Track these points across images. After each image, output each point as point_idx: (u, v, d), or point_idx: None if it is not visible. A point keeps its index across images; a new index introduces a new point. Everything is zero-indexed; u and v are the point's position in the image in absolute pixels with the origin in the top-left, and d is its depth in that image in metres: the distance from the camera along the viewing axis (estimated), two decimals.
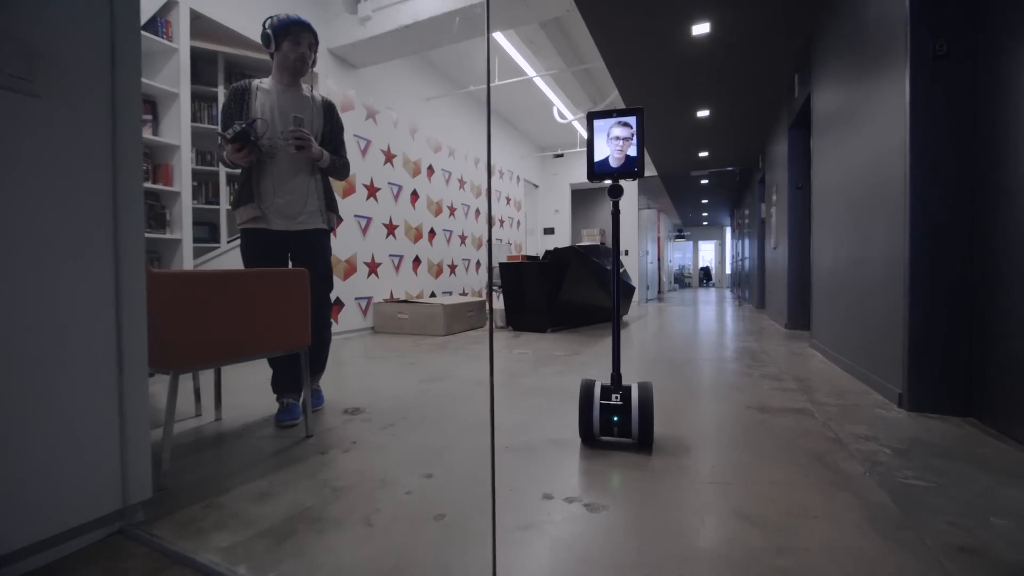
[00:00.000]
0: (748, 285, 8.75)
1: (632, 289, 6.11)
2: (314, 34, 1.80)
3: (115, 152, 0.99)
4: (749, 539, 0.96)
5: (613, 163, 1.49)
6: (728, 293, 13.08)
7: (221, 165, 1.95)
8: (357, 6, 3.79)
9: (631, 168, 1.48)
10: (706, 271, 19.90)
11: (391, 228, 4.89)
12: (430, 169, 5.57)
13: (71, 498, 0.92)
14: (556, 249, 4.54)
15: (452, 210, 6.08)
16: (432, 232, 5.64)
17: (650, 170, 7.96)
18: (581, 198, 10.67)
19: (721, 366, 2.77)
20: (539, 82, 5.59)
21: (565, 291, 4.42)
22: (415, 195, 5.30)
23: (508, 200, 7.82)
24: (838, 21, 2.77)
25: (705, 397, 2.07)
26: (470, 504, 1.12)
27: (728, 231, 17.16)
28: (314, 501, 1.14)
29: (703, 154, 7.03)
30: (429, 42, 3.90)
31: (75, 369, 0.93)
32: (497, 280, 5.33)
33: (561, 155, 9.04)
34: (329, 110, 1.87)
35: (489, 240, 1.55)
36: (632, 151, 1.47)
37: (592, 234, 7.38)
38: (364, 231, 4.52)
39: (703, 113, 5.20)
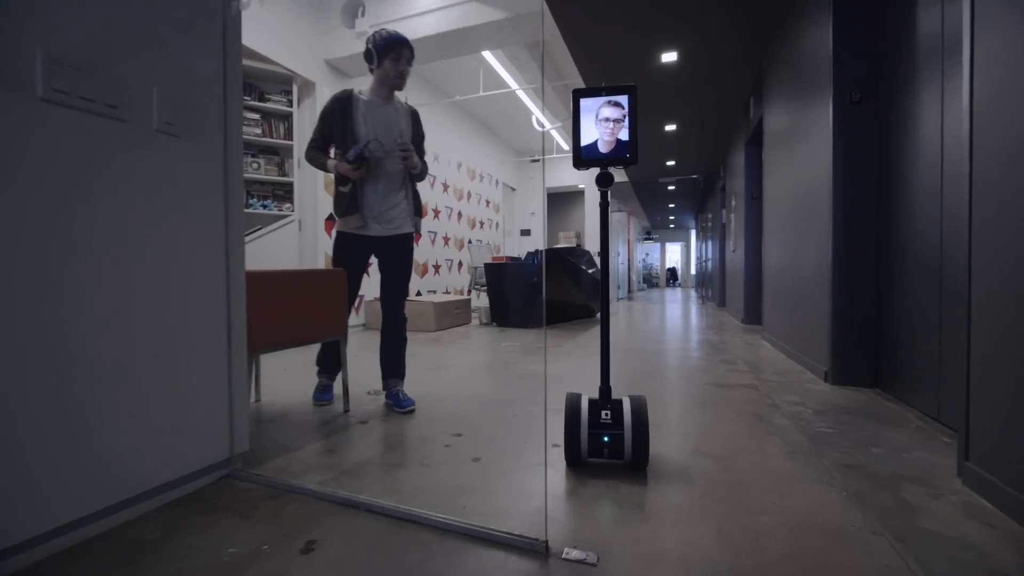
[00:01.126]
0: (711, 285, 9.38)
1: None
2: (412, 50, 1.89)
3: (226, 177, 1.27)
4: (704, 464, 1.34)
5: (603, 147, 1.32)
6: (693, 292, 13.81)
7: (315, 168, 2.08)
8: (355, 21, 4.04)
9: (623, 154, 1.31)
10: (672, 271, 20.76)
11: None
12: None
13: (194, 447, 1.20)
14: (537, 251, 4.90)
15: (436, 212, 6.36)
16: (418, 234, 5.90)
17: (621, 176, 8.45)
18: (556, 201, 11.11)
19: (686, 354, 3.19)
20: (520, 93, 5.94)
21: (546, 290, 4.79)
22: None
23: (487, 203, 8.14)
24: (783, 60, 3.24)
25: (673, 377, 2.47)
26: (497, 452, 1.45)
27: (693, 234, 18.02)
28: (373, 453, 1.45)
29: (670, 163, 7.56)
30: (424, 58, 4.18)
31: (199, 347, 1.20)
32: (481, 279, 5.65)
33: (537, 160, 9.43)
34: (415, 117, 1.99)
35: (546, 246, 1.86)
36: (624, 134, 1.31)
37: (568, 236, 7.79)
38: None
39: (671, 127, 5.68)
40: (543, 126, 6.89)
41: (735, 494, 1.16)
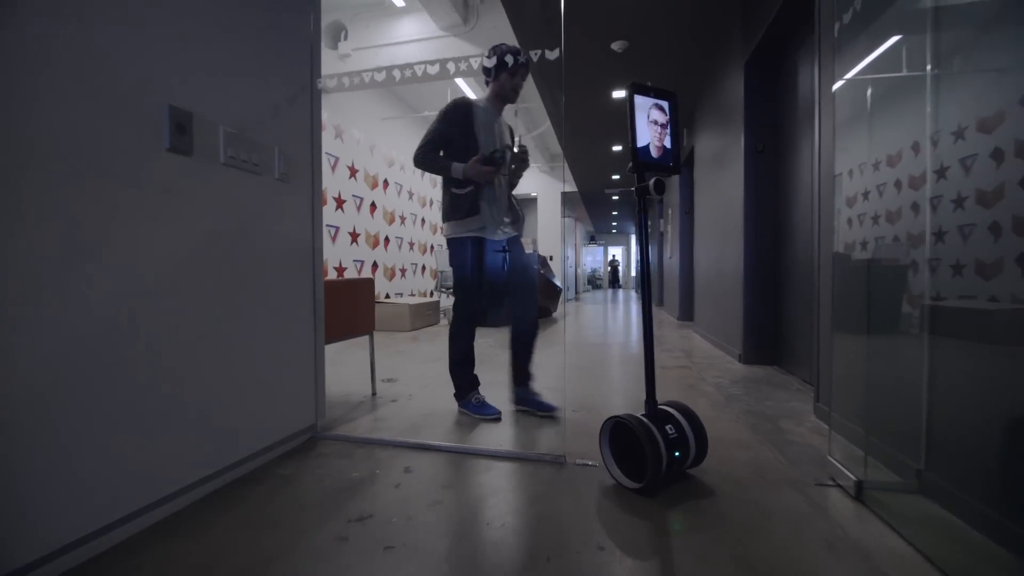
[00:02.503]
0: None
1: (559, 290, 7.19)
2: (528, 66, 1.92)
3: (312, 208, 1.68)
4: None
5: (654, 152, 1.30)
6: (634, 293, 14.94)
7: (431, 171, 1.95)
8: (338, 44, 4.36)
9: (667, 161, 1.30)
10: (615, 274, 22.02)
11: (354, 236, 5.43)
12: (385, 182, 6.16)
13: (287, 414, 1.60)
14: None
15: (403, 219, 6.70)
16: (387, 239, 6.22)
17: (571, 185, 9.18)
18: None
19: (632, 346, 3.85)
20: None
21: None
22: (373, 206, 5.86)
23: None
24: (708, 103, 3.99)
25: (624, 364, 3.09)
26: (511, 413, 1.95)
27: (634, 239, 19.32)
28: (416, 419, 1.90)
29: (615, 176, 8.37)
30: (401, 80, 4.57)
31: (292, 337, 1.61)
32: (446, 282, 6.07)
33: None
34: (511, 132, 2.08)
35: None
36: (668, 141, 1.29)
37: (525, 243, 8.35)
38: (333, 239, 5.03)
39: (617, 148, 6.42)
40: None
41: None
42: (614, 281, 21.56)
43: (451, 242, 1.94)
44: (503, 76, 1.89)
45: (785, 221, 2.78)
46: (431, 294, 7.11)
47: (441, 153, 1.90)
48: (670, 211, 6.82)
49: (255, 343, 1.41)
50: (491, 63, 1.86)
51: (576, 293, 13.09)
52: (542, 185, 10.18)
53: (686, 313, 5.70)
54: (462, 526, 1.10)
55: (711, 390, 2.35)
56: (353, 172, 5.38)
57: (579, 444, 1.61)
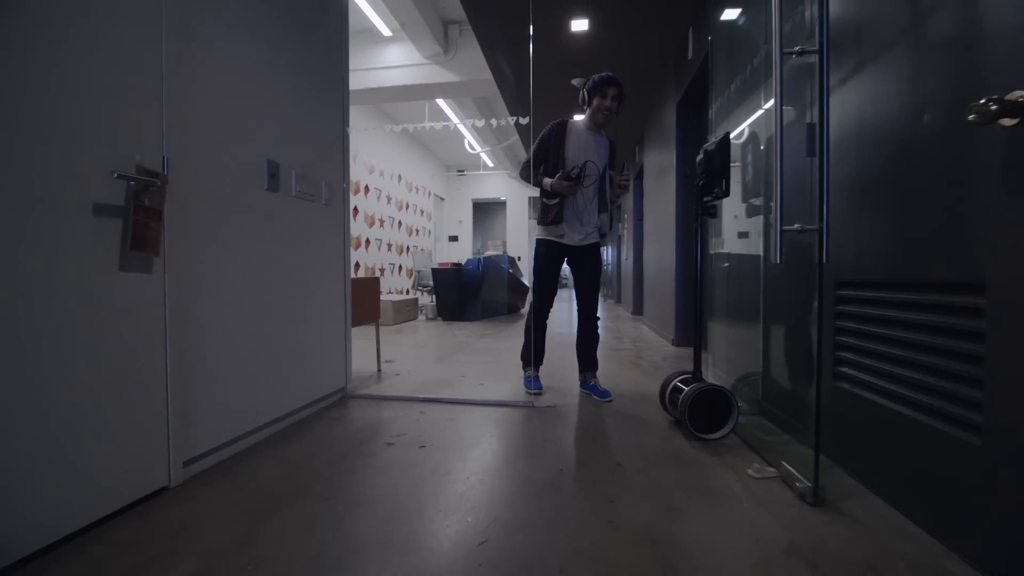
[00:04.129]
0: (611, 285, 11.18)
1: (527, 288, 7.85)
2: (620, 87, 2.12)
3: (344, 224, 2.23)
4: (606, 382, 2.57)
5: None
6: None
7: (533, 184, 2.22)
8: None
9: None
10: None
11: None
12: (366, 188, 6.63)
13: (330, 376, 2.15)
14: (477, 258, 6.01)
15: (382, 222, 7.17)
16: (367, 241, 6.69)
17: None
18: (481, 210, 12.24)
19: None
20: (460, 127, 7.01)
21: (484, 290, 5.91)
22: (356, 210, 6.32)
23: (422, 212, 9.05)
24: (654, 128, 4.72)
25: None
26: (494, 381, 2.56)
27: None
28: (419, 385, 2.48)
29: None
30: (386, 98, 5.08)
31: (332, 320, 2.15)
32: (426, 281, 6.61)
33: (463, 173, 10.51)
34: (612, 149, 2.27)
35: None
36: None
37: (496, 245, 8.95)
38: None
39: None
40: (475, 149, 8.00)
41: (616, 386, 2.40)
42: None
43: (537, 243, 2.27)
44: (595, 100, 2.11)
45: (706, 231, 3.50)
46: (408, 292, 7.61)
47: (542, 169, 2.22)
48: (626, 216, 7.60)
49: (312, 323, 1.96)
50: (586, 91, 2.13)
51: None
52: (511, 190, 10.83)
53: (638, 308, 6.46)
54: (469, 436, 1.70)
55: (646, 365, 3.04)
56: None
57: (545, 398, 2.24)
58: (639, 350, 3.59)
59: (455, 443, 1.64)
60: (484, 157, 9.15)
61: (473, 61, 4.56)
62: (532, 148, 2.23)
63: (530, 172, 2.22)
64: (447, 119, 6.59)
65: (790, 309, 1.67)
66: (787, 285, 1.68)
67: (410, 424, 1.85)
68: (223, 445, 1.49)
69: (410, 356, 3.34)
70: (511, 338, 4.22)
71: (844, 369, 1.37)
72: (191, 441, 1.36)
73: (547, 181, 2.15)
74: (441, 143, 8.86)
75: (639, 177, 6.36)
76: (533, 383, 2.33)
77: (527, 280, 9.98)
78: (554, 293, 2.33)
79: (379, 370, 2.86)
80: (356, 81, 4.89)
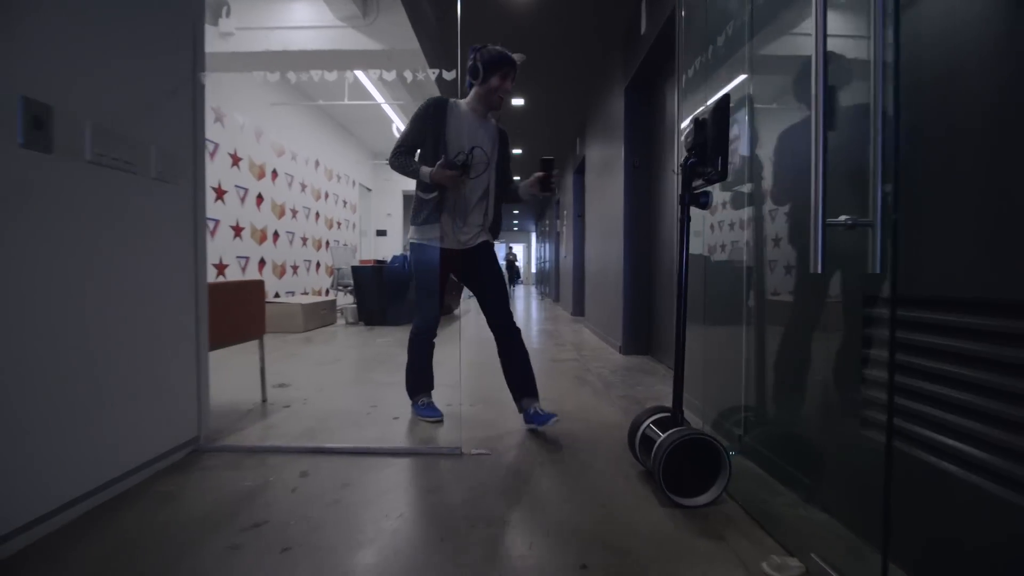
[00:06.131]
0: (549, 283, 10.93)
1: (462, 287, 7.31)
2: (516, 71, 1.79)
3: (195, 208, 1.59)
4: (547, 405, 2.13)
5: None
6: (534, 289, 15.59)
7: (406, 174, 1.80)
8: (218, 20, 3.97)
9: None
10: (515, 270, 22.52)
11: (238, 230, 5.00)
12: (274, 173, 5.74)
13: (169, 425, 1.51)
14: (403, 255, 5.37)
15: (295, 212, 6.29)
16: (276, 234, 5.80)
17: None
18: (411, 203, 11.47)
19: (530, 341, 4.10)
20: (385, 107, 6.30)
21: (411, 291, 5.30)
22: (260, 198, 5.43)
23: (344, 203, 8.17)
24: (597, 117, 4.38)
25: None
26: (403, 409, 2.03)
27: (534, 236, 20.10)
28: (312, 424, 1.89)
29: (516, 178, 8.68)
30: (289, 66, 4.31)
31: (172, 344, 1.52)
32: (347, 280, 5.86)
33: None
34: (504, 138, 1.91)
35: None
36: None
37: None
38: (212, 233, 4.59)
39: (517, 151, 6.70)
40: None
41: (564, 412, 1.97)
42: (512, 277, 21.81)
43: (411, 248, 1.89)
44: (493, 79, 1.74)
45: (656, 228, 3.19)
46: (327, 292, 6.78)
47: (417, 156, 1.82)
48: (565, 212, 7.29)
49: (126, 353, 1.31)
50: (481, 63, 1.72)
51: None
52: None
53: (579, 308, 6.17)
54: (364, 522, 1.17)
55: (594, 380, 2.64)
56: (236, 160, 4.94)
57: (475, 435, 1.74)
58: (584, 360, 3.21)
59: (340, 539, 1.10)
60: None
61: (397, 28, 3.95)
62: (404, 130, 1.83)
63: (404, 160, 1.79)
64: (370, 98, 5.86)
65: (795, 326, 1.30)
66: (797, 297, 1.32)
67: (281, 499, 1.28)
68: None
69: (313, 376, 2.70)
70: (443, 345, 3.67)
71: (874, 414, 1.01)
72: None
73: (425, 170, 1.73)
74: (366, 126, 8.03)
75: (579, 171, 6.05)
76: (428, 410, 1.94)
77: None
78: (439, 309, 1.94)
79: (264, 400, 2.22)
80: (253, 40, 4.08)
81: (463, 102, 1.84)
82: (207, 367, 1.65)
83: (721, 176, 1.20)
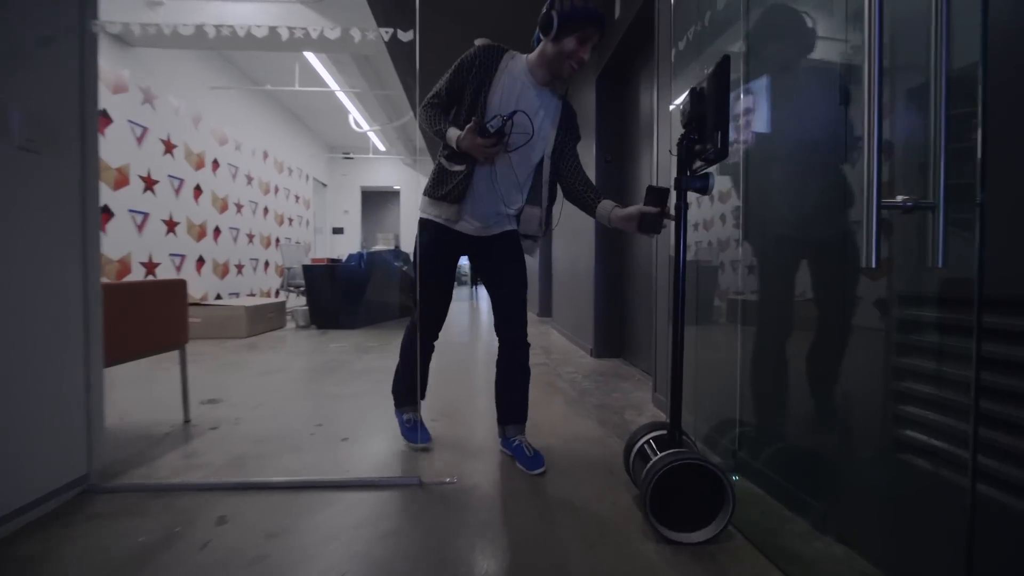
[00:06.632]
0: None
1: None
2: (602, 35, 1.36)
3: (83, 189, 1.28)
4: None
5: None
6: None
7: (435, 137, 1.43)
8: None
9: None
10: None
11: (171, 225, 4.51)
12: (215, 163, 5.25)
13: (48, 461, 1.20)
14: (360, 253, 5.03)
15: (239, 207, 5.80)
16: (217, 230, 5.31)
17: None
18: (371, 200, 11.00)
19: (492, 344, 3.88)
20: (339, 94, 5.91)
21: (370, 292, 4.97)
22: (198, 190, 4.94)
23: (297, 198, 7.68)
24: None
25: (488, 362, 3.08)
26: (366, 430, 1.76)
27: None
28: (242, 450, 1.59)
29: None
30: (230, 45, 3.91)
31: (50, 358, 1.20)
32: (294, 280, 5.44)
33: (350, 157, 9.26)
34: (569, 115, 1.50)
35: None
36: None
37: (387, 238, 7.94)
38: (140, 228, 4.10)
39: None
40: (361, 127, 6.91)
41: (535, 423, 1.76)
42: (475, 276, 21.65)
43: (420, 224, 1.50)
44: (567, 41, 1.30)
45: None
46: (276, 293, 6.30)
47: (451, 114, 1.45)
48: None
49: None
50: (557, 14, 1.28)
51: None
52: (405, 179, 9.83)
53: (546, 309, 6.01)
54: None
55: (566, 386, 2.46)
56: (169, 147, 4.45)
57: (438, 459, 1.51)
58: (554, 364, 3.02)
59: None
60: (373, 138, 8.04)
61: (352, 8, 3.64)
62: (445, 77, 1.44)
63: (433, 114, 1.42)
64: (323, 84, 5.46)
65: (803, 327, 1.15)
66: (812, 295, 1.16)
67: (186, 560, 1.00)
68: None
69: (252, 389, 2.37)
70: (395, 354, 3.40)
71: (914, 434, 0.86)
72: None
73: (453, 133, 1.36)
74: (321, 118, 7.57)
75: None
76: (411, 433, 1.62)
77: None
78: (447, 301, 1.58)
79: (186, 421, 1.89)
80: (184, 12, 3.66)
81: (524, 58, 1.43)
82: (101, 386, 1.33)
83: (721, 154, 1.03)
